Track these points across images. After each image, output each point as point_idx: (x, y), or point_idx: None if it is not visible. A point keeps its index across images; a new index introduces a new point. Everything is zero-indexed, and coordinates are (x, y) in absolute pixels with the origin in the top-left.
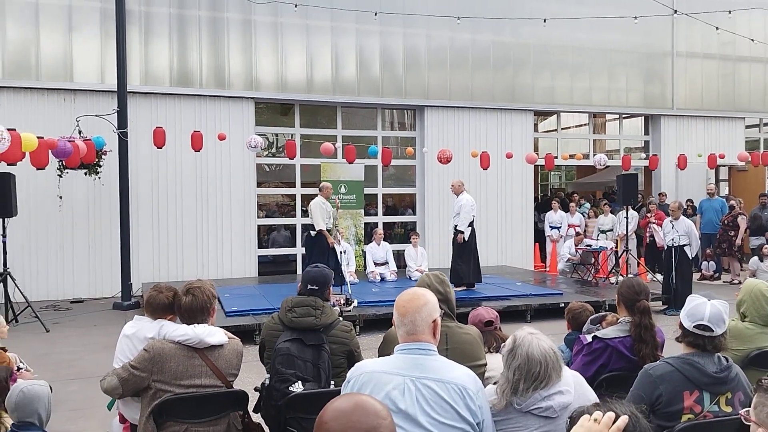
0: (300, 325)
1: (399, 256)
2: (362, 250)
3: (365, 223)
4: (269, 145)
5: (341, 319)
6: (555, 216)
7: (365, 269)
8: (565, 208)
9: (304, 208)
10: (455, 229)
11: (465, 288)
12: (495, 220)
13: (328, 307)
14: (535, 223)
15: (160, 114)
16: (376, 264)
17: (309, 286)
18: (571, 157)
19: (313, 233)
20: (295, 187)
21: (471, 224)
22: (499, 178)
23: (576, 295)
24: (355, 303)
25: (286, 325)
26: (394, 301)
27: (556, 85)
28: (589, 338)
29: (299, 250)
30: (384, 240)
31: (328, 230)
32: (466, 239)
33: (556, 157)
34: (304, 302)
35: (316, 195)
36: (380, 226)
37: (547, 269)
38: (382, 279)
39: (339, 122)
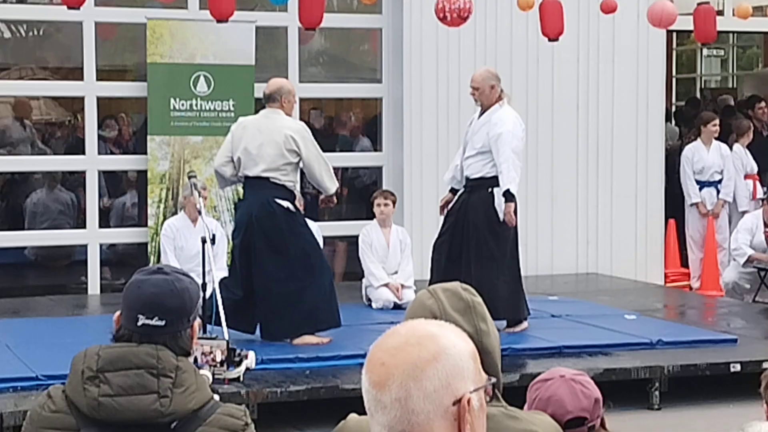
0: (121, 414)
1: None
2: None
3: None
4: None
5: (217, 399)
6: (710, 156)
7: None
8: (732, 136)
9: (108, 133)
10: (491, 188)
11: (522, 327)
12: (572, 167)
13: (190, 371)
14: (668, 171)
15: None
16: None
17: (143, 319)
18: (757, 12)
19: (287, 206)
20: (81, 78)
21: None
22: (583, 63)
23: None
24: (251, 361)
25: (85, 415)
26: (339, 357)
27: None
28: None
29: (97, 236)
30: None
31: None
32: (514, 218)
33: (721, 13)
34: (129, 359)
35: (262, 111)
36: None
37: (696, 282)
38: None
39: None
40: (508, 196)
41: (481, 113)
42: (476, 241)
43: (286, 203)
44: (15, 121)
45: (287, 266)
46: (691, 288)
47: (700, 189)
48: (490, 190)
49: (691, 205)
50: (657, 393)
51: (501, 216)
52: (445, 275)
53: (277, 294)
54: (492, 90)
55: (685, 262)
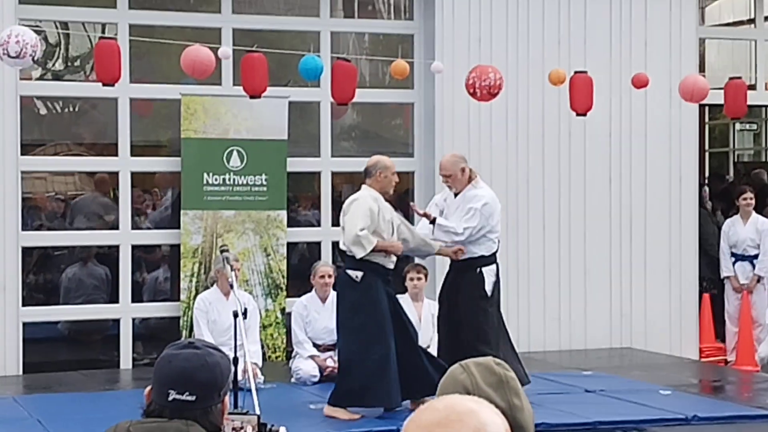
0: None
1: None
2: (281, 312)
3: (290, 245)
4: (52, 54)
5: None
6: (745, 230)
7: (289, 357)
8: (766, 210)
9: (143, 208)
10: (479, 268)
11: None
12: (605, 241)
13: None
14: (702, 248)
15: None
16: (318, 346)
17: (174, 394)
18: None
19: (355, 275)
20: (116, 154)
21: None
22: (615, 137)
23: None
24: None
25: None
26: None
27: None
28: None
29: (130, 310)
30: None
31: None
32: (491, 290)
33: (753, 87)
34: None
35: (361, 188)
36: (327, 252)
37: (731, 358)
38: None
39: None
40: (435, 223)
41: (456, 194)
42: (471, 318)
43: (354, 273)
44: (51, 196)
45: (343, 338)
46: (726, 363)
47: (735, 263)
48: (478, 270)
49: (724, 278)
50: None
51: (489, 290)
52: (450, 356)
53: (340, 363)
54: (463, 173)
55: (720, 337)
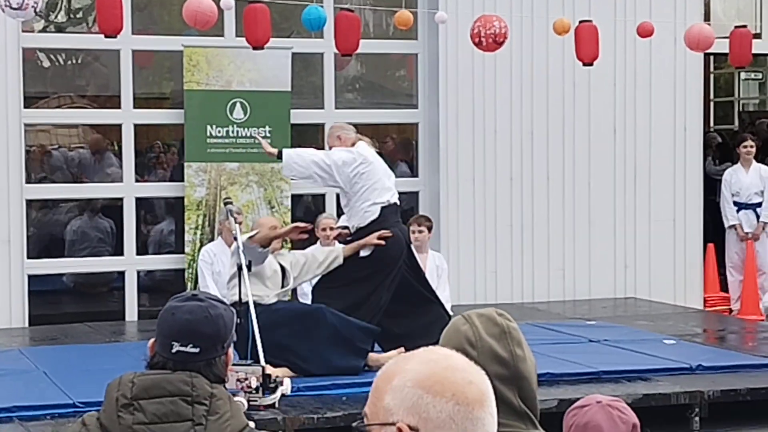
0: None
1: None
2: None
3: (294, 198)
4: (54, 6)
5: (252, 426)
6: (747, 178)
7: None
8: None
9: (150, 161)
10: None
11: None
12: (610, 191)
13: (224, 398)
14: (707, 197)
15: None
16: None
17: (177, 346)
18: None
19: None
20: (119, 107)
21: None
22: (620, 87)
23: None
24: (287, 387)
25: None
26: (367, 385)
27: None
28: None
29: (135, 263)
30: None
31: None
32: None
33: (758, 36)
34: (163, 387)
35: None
36: (332, 204)
37: (736, 307)
38: None
39: None
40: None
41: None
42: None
43: None
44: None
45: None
46: (731, 312)
47: (738, 211)
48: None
49: (729, 227)
50: (697, 419)
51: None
52: None
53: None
54: (340, 141)
55: (724, 287)
